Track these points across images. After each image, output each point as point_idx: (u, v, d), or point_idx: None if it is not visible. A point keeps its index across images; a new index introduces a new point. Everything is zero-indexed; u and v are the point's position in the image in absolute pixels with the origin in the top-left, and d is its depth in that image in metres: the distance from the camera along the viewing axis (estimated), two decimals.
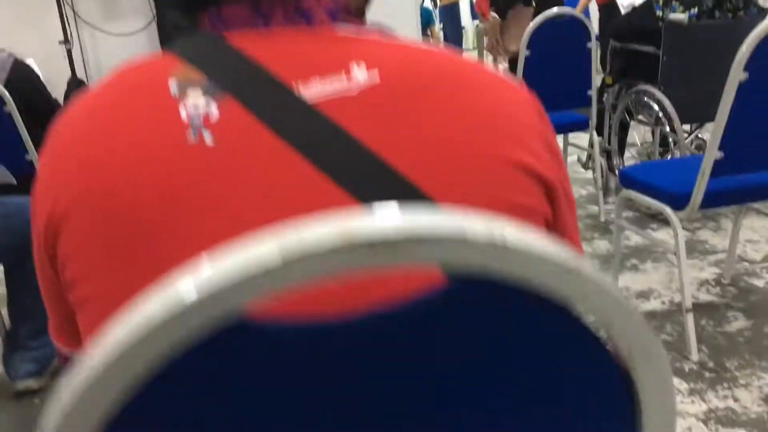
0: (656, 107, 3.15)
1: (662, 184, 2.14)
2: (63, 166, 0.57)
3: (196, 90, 0.55)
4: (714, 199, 2.02)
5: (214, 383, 0.34)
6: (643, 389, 0.37)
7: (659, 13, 3.13)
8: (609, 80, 3.60)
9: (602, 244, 3.05)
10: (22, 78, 2.71)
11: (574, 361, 0.37)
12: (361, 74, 0.57)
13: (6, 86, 2.55)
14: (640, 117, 3.43)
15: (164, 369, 0.32)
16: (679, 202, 2.05)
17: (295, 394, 0.35)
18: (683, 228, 2.75)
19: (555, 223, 0.65)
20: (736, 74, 1.80)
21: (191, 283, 0.32)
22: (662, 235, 3.02)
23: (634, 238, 3.06)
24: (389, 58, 0.59)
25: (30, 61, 2.89)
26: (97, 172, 0.54)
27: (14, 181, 2.30)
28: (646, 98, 3.23)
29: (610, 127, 3.59)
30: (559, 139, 3.75)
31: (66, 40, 5.04)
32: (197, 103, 0.54)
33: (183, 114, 0.53)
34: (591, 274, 0.35)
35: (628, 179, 2.32)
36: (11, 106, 2.55)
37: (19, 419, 2.12)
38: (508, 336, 0.36)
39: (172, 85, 0.56)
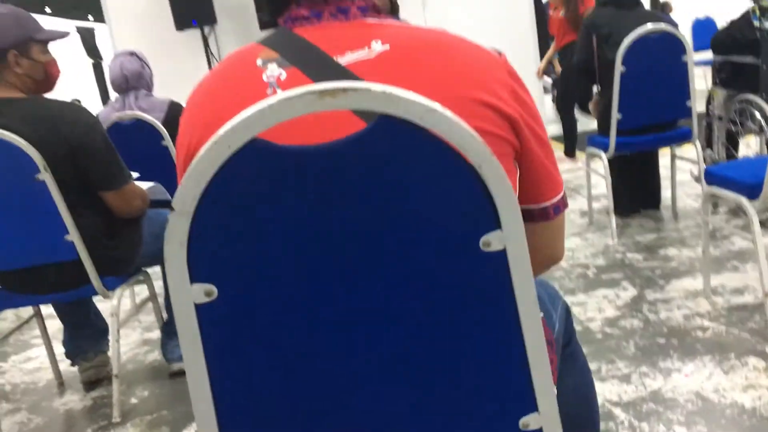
0: (759, 115, 3.20)
1: (739, 177, 2.26)
2: (193, 114, 0.92)
3: (273, 63, 0.89)
4: None
5: (246, 172, 0.64)
6: (487, 178, 0.64)
7: (757, 23, 3.20)
8: (714, 93, 3.66)
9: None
10: (177, 117, 3.21)
11: (441, 167, 0.64)
12: (377, 46, 0.88)
13: (164, 124, 3.06)
14: (748, 126, 3.46)
15: (227, 165, 0.63)
16: (753, 191, 2.16)
17: (282, 177, 0.65)
18: None
19: (522, 149, 0.92)
20: None
21: (234, 122, 0.63)
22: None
23: (738, 242, 3.10)
24: (398, 35, 0.90)
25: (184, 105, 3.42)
26: (211, 116, 0.88)
27: (170, 198, 2.76)
28: (750, 107, 3.28)
29: (717, 139, 3.64)
30: (665, 152, 3.83)
31: None
32: (273, 72, 0.87)
33: (264, 77, 0.88)
34: (446, 113, 0.62)
35: (712, 176, 2.44)
36: (168, 141, 3.06)
37: (174, 393, 2.54)
38: (402, 153, 0.64)
39: (258, 61, 0.89)
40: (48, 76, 2.19)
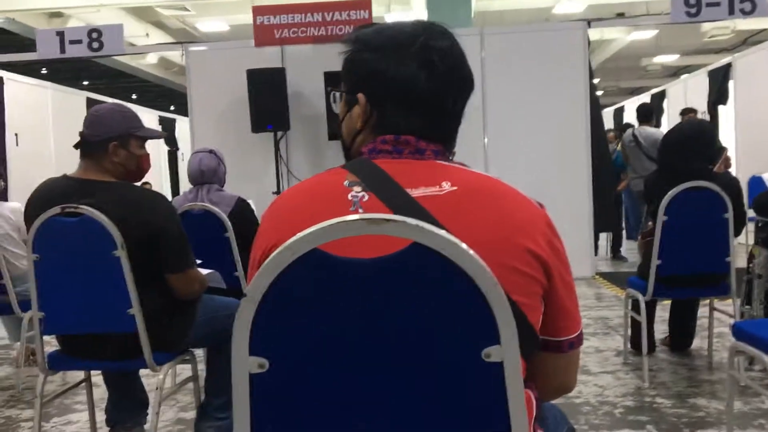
0: None
1: (765, 335, 2.34)
2: (274, 224, 1.12)
3: (358, 186, 1.09)
4: None
5: (304, 274, 0.83)
6: (492, 302, 0.81)
7: None
8: (756, 251, 3.75)
9: (737, 404, 3.13)
10: (242, 213, 3.48)
11: (457, 289, 0.82)
12: (447, 186, 1.08)
13: (229, 217, 3.32)
14: None
15: (291, 266, 0.82)
16: None
17: (330, 281, 0.83)
18: None
19: (550, 290, 1.10)
20: None
21: (300, 235, 0.82)
22: None
23: None
24: (465, 179, 1.11)
25: (250, 201, 3.69)
26: (296, 224, 1.05)
27: (224, 287, 2.97)
28: None
29: (756, 296, 3.70)
30: (704, 306, 3.91)
31: (278, 191, 6.01)
32: (358, 194, 1.08)
33: (349, 196, 1.08)
34: (464, 249, 0.80)
35: (741, 332, 2.52)
36: (230, 233, 3.31)
37: None
38: (426, 275, 0.82)
39: (345, 182, 1.10)
40: (139, 168, 2.48)
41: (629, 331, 3.96)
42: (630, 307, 3.86)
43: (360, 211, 1.05)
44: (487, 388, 0.85)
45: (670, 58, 16.43)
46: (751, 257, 3.82)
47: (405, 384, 0.85)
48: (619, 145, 8.47)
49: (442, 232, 0.81)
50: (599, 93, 20.85)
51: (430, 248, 0.81)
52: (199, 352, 3.05)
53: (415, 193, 1.06)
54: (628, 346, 3.96)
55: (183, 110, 10.78)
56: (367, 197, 1.07)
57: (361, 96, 1.18)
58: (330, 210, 0.97)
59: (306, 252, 0.82)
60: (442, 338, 0.85)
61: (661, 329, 4.22)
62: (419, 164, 1.12)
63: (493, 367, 0.84)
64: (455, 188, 1.07)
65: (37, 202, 2.38)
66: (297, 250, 0.82)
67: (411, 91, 1.13)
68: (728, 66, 9.24)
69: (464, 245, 0.81)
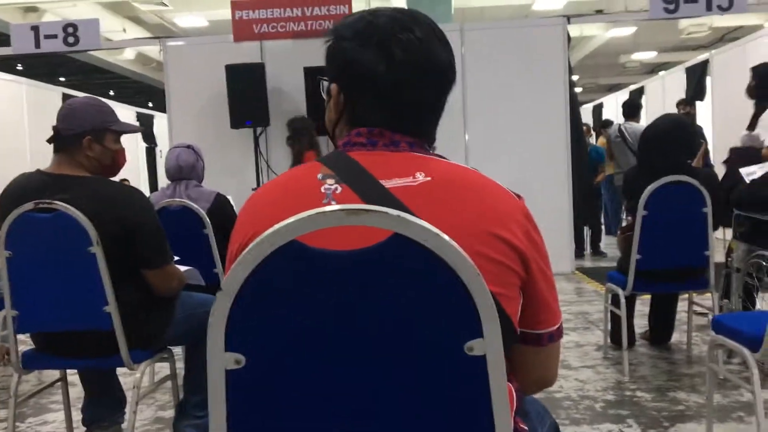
0: None
1: (743, 328, 2.35)
2: (250, 218, 1.10)
3: (331, 179, 1.07)
4: None
5: (282, 267, 0.80)
6: (474, 294, 0.79)
7: None
8: (734, 245, 3.78)
9: (717, 397, 3.14)
10: (221, 209, 3.44)
11: (439, 281, 0.80)
12: (420, 176, 1.06)
13: (208, 213, 3.28)
14: (766, 281, 3.56)
15: (268, 259, 0.79)
16: (754, 344, 2.25)
17: (309, 273, 0.80)
18: None
19: (528, 281, 1.08)
20: None
21: (278, 226, 0.79)
22: None
23: (747, 394, 3.13)
24: (439, 170, 1.09)
25: (229, 197, 3.65)
26: (270, 217, 1.03)
27: (203, 284, 2.93)
28: (765, 263, 3.39)
29: (735, 290, 3.73)
30: (683, 300, 3.94)
31: (258, 187, 5.94)
32: (330, 186, 1.05)
33: (322, 189, 1.06)
34: (446, 240, 0.78)
35: (719, 325, 2.53)
36: (209, 230, 3.27)
37: None
38: (408, 267, 0.80)
39: (319, 175, 1.08)
40: (115, 163, 2.43)
41: (609, 326, 3.97)
42: (610, 302, 3.88)
43: (333, 203, 1.04)
44: (469, 382, 0.83)
45: (648, 55, 16.56)
46: (729, 251, 3.85)
47: (386, 378, 0.83)
48: (597, 140, 8.53)
49: (424, 223, 0.79)
50: (578, 90, 21.02)
51: (411, 239, 0.79)
52: (178, 350, 3.01)
53: (388, 184, 1.05)
54: (608, 340, 3.97)
55: (161, 107, 10.68)
56: (340, 189, 1.06)
57: (333, 86, 1.17)
58: (302, 203, 0.95)
59: (284, 244, 0.79)
60: (423, 331, 0.82)
61: (640, 323, 4.24)
62: (394, 156, 1.11)
63: (476, 361, 0.82)
64: (429, 179, 1.06)
65: (9, 198, 2.33)
66: (275, 241, 0.79)
67: (373, 81, 1.11)
68: (705, 62, 9.33)
69: (446, 236, 0.79)
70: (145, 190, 12.64)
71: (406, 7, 1.23)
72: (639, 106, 7.92)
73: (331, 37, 1.17)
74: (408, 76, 1.11)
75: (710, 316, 3.83)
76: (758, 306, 3.75)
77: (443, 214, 1.01)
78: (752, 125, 4.55)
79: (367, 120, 1.14)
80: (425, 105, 1.16)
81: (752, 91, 4.74)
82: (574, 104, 7.05)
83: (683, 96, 9.54)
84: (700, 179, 3.38)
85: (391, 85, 1.11)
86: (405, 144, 1.13)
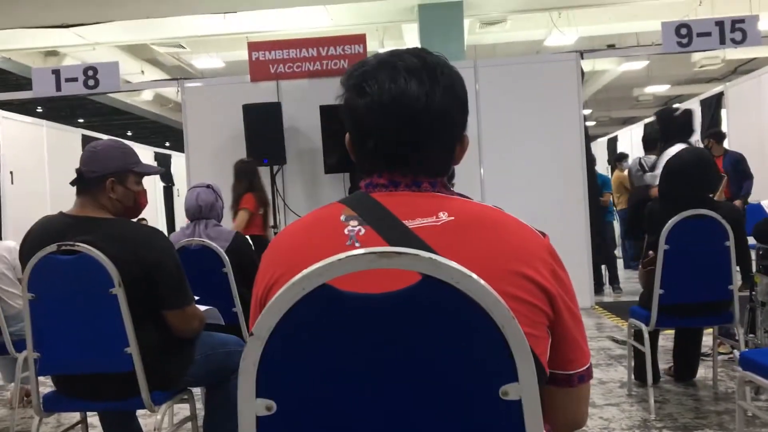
0: None
1: None
2: (275, 261, 1.10)
3: (354, 221, 1.07)
4: None
5: (314, 311, 0.80)
6: (509, 337, 0.77)
7: None
8: (758, 279, 3.73)
9: None
10: (240, 248, 3.45)
11: (472, 324, 0.78)
12: (444, 216, 1.06)
13: (227, 252, 3.28)
14: None
15: (299, 303, 0.79)
16: None
17: (341, 318, 0.80)
18: None
19: (556, 321, 1.07)
20: None
21: (309, 270, 0.79)
22: None
23: None
24: (462, 209, 1.08)
25: (248, 236, 3.66)
26: (295, 259, 1.04)
27: (223, 323, 2.92)
28: None
29: (760, 324, 3.66)
30: (708, 335, 3.87)
31: (275, 225, 5.98)
32: (354, 227, 1.05)
33: (346, 231, 1.06)
34: (479, 281, 0.78)
35: (747, 361, 2.48)
36: (228, 268, 3.27)
37: None
38: (440, 309, 0.79)
39: (342, 217, 1.08)
40: (136, 204, 2.45)
41: (633, 362, 3.91)
42: (632, 338, 3.82)
43: (356, 245, 1.03)
44: (505, 428, 0.81)
45: (661, 89, 16.58)
46: (753, 285, 3.79)
47: (420, 425, 0.82)
48: (612, 174, 8.60)
49: (455, 264, 0.78)
50: (591, 123, 21.06)
51: (442, 281, 0.78)
52: (197, 391, 2.99)
53: (411, 224, 1.05)
54: (632, 377, 3.91)
55: (179, 146, 10.80)
56: (363, 231, 1.05)
57: (347, 136, 1.19)
58: (326, 246, 0.95)
59: (315, 288, 0.79)
60: (457, 376, 0.81)
61: (664, 359, 4.17)
62: (416, 196, 1.11)
63: (511, 405, 0.80)
64: (452, 218, 1.05)
65: (32, 240, 2.35)
66: (306, 286, 0.79)
67: (366, 128, 1.12)
68: (720, 95, 9.32)
69: (478, 277, 0.78)
70: (163, 229, 12.72)
71: (410, 47, 1.23)
72: (657, 139, 7.99)
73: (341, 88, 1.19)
74: (371, 118, 1.11)
75: (737, 353, 3.76)
76: None
77: (468, 254, 1.00)
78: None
79: (371, 167, 1.15)
80: (426, 147, 1.12)
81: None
82: (585, 138, 7.10)
83: (698, 129, 9.52)
84: (723, 213, 3.35)
85: (382, 131, 1.11)
86: (427, 184, 1.13)
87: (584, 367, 1.13)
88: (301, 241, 1.09)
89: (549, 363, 1.08)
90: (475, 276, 0.78)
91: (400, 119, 1.10)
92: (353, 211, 1.09)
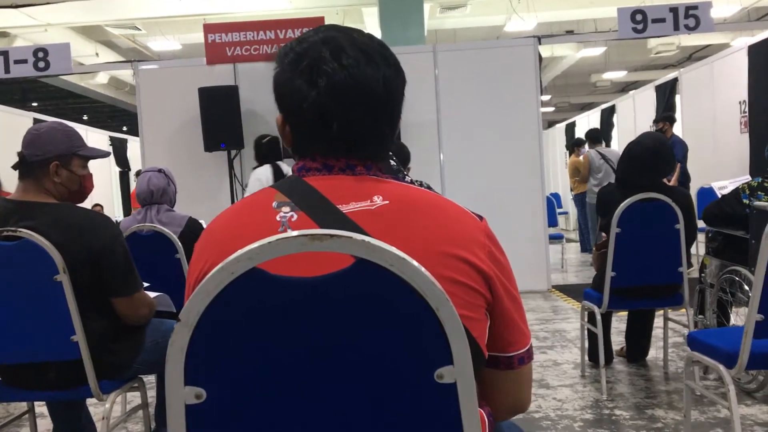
0: (747, 287, 3.32)
1: (719, 344, 2.35)
2: (206, 249, 1.06)
3: (286, 207, 1.04)
4: (760, 361, 2.19)
5: (243, 295, 0.77)
6: (443, 320, 0.76)
7: (746, 200, 3.39)
8: (707, 261, 3.80)
9: (694, 414, 3.14)
10: (193, 233, 3.39)
11: (406, 307, 0.77)
12: (378, 200, 1.04)
13: (180, 237, 3.23)
14: (739, 296, 3.58)
15: (228, 287, 0.77)
16: (730, 360, 2.25)
17: (272, 302, 0.78)
18: None
19: (495, 303, 1.06)
20: None
21: (238, 253, 0.77)
22: (753, 410, 3.08)
23: (724, 410, 3.14)
24: (397, 193, 1.06)
25: (202, 222, 3.60)
26: (225, 246, 1.01)
27: (174, 310, 2.87)
28: (737, 278, 3.42)
29: (709, 306, 3.74)
30: (659, 316, 3.95)
31: None
32: (286, 213, 1.03)
33: (278, 217, 1.03)
34: (413, 264, 0.76)
35: (695, 342, 2.53)
36: (181, 253, 3.22)
37: None
38: (374, 292, 0.78)
39: (274, 203, 1.05)
40: (82, 188, 2.38)
41: (586, 344, 3.96)
42: (586, 320, 3.87)
43: (288, 230, 1.00)
44: (440, 411, 0.80)
45: (618, 75, 16.80)
46: (702, 267, 3.87)
47: (354, 409, 0.80)
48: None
49: (389, 247, 0.77)
50: (551, 109, 21.26)
51: (376, 264, 0.77)
52: (150, 378, 2.94)
53: (345, 208, 1.03)
54: (586, 358, 3.97)
55: (135, 131, 10.59)
56: (296, 217, 1.03)
57: (279, 117, 1.14)
58: (257, 232, 0.92)
59: (245, 271, 0.77)
60: (391, 359, 0.80)
61: (617, 340, 4.24)
62: (350, 179, 1.08)
63: (447, 389, 0.80)
64: (387, 202, 1.03)
65: None
66: (235, 269, 0.77)
67: (302, 111, 1.07)
68: (674, 81, 9.46)
69: (413, 260, 0.77)
70: (119, 215, 12.49)
71: (379, 36, 1.20)
72: (601, 134, 9.17)
73: (274, 66, 1.13)
74: (333, 103, 1.05)
75: (685, 333, 3.84)
76: (732, 321, 3.77)
77: (403, 238, 0.99)
78: None
79: (305, 149, 1.11)
80: (362, 130, 1.09)
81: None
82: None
83: (653, 114, 9.67)
84: (675, 198, 3.40)
85: (319, 113, 1.06)
86: (362, 168, 1.10)
87: (524, 349, 1.13)
88: (232, 228, 1.06)
89: (489, 346, 1.07)
90: (409, 258, 0.77)
91: (358, 104, 1.06)
92: (286, 196, 1.06)
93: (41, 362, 2.30)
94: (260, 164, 5.43)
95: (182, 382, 0.78)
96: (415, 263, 0.77)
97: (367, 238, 0.77)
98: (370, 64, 1.07)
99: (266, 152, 5.47)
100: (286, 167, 5.33)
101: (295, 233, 0.77)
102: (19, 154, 2.32)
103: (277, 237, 0.76)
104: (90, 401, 2.59)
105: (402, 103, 1.14)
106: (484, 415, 1.07)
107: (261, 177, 5.26)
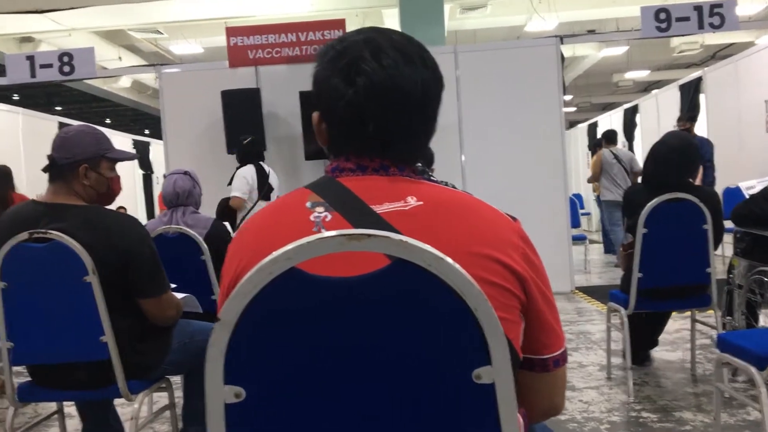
0: None
1: (750, 346, 2.32)
2: (243, 246, 1.07)
3: (320, 207, 1.04)
4: None
5: (282, 295, 0.78)
6: (482, 320, 0.76)
7: None
8: (735, 262, 3.75)
9: (724, 416, 3.10)
10: (218, 234, 3.41)
11: (444, 307, 0.77)
12: (412, 201, 1.04)
13: (205, 239, 3.25)
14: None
15: (267, 287, 0.77)
16: (761, 362, 2.22)
17: (311, 302, 0.78)
18: None
19: (529, 305, 1.05)
20: None
21: (277, 254, 0.77)
22: None
23: (754, 413, 3.09)
24: (431, 194, 1.06)
25: (226, 223, 3.63)
26: (260, 246, 1.01)
27: (201, 311, 2.89)
28: (767, 279, 3.37)
29: (738, 307, 3.69)
30: (686, 318, 3.90)
31: (254, 212, 5.96)
32: (320, 213, 1.03)
33: (312, 218, 1.04)
34: (451, 263, 0.76)
35: (725, 344, 2.50)
36: (206, 256, 3.23)
37: None
38: (411, 292, 0.78)
39: (308, 203, 1.06)
40: (110, 190, 2.41)
41: (612, 345, 3.92)
42: (612, 321, 3.84)
43: (322, 231, 1.01)
44: (478, 412, 0.80)
45: (640, 74, 16.66)
46: (730, 268, 3.82)
47: (392, 409, 0.80)
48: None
49: (427, 247, 0.76)
50: (572, 109, 21.12)
51: (414, 264, 0.77)
52: (177, 379, 2.96)
53: (379, 209, 1.02)
54: (611, 360, 3.93)
55: (158, 134, 10.70)
56: (330, 217, 1.03)
57: (315, 114, 1.15)
58: (291, 233, 0.92)
59: (283, 271, 0.77)
60: (429, 359, 0.80)
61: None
62: (384, 180, 1.08)
63: (485, 389, 0.79)
64: (421, 203, 1.03)
65: (3, 229, 2.30)
66: (273, 270, 0.77)
67: (338, 110, 1.08)
68: (699, 80, 9.37)
69: (450, 260, 0.77)
70: (143, 217, 12.61)
71: (391, 28, 1.19)
72: (616, 134, 9.05)
73: (315, 64, 1.14)
74: (370, 102, 1.06)
75: (714, 336, 3.79)
76: (761, 322, 3.71)
77: (437, 239, 0.98)
78: None
79: (340, 148, 1.12)
80: (397, 131, 1.09)
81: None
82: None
83: (677, 113, 9.59)
84: (702, 198, 3.36)
85: (355, 112, 1.06)
86: (395, 168, 1.10)
87: (559, 351, 1.12)
88: (266, 228, 1.07)
89: (524, 348, 1.07)
90: (447, 258, 0.77)
91: (396, 105, 1.07)
92: (319, 196, 1.07)
93: (71, 362, 2.33)
94: (242, 164, 5.56)
95: (222, 381, 0.78)
96: (451, 262, 0.77)
97: (404, 238, 0.77)
98: (408, 66, 1.07)
99: (248, 152, 5.66)
100: (267, 167, 5.59)
101: (333, 233, 0.77)
102: (49, 157, 2.35)
103: (315, 237, 0.77)
104: (117, 401, 2.61)
105: (439, 106, 1.14)
106: (520, 418, 1.07)
107: (246, 175, 5.46)
